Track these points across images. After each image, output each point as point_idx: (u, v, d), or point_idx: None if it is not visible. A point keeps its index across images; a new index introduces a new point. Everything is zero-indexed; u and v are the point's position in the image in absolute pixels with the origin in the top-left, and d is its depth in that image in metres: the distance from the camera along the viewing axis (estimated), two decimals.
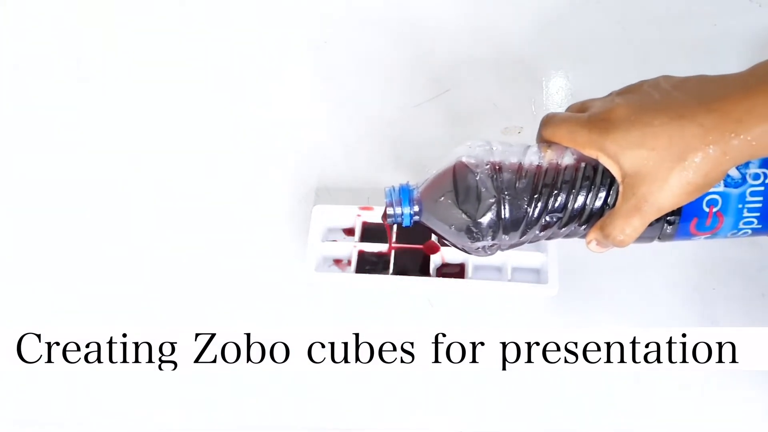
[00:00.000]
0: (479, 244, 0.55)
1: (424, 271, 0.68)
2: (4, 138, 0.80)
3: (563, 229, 0.54)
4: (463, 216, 0.54)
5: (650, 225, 0.52)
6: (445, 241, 0.58)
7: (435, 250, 0.69)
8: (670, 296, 0.68)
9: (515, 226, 0.54)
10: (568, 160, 0.53)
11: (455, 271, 0.69)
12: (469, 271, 0.68)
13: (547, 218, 0.54)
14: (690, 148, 0.48)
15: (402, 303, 0.68)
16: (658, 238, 0.55)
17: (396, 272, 0.68)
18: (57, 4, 0.91)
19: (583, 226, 0.54)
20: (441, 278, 0.68)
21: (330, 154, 0.77)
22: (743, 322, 0.66)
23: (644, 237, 0.54)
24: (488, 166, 0.54)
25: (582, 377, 0.64)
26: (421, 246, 0.69)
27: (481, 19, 0.89)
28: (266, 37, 0.88)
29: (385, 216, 0.58)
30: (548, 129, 0.55)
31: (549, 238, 0.56)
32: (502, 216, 0.53)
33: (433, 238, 0.69)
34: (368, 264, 0.69)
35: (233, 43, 0.87)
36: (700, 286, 0.68)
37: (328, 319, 0.67)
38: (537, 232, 0.54)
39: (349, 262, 0.69)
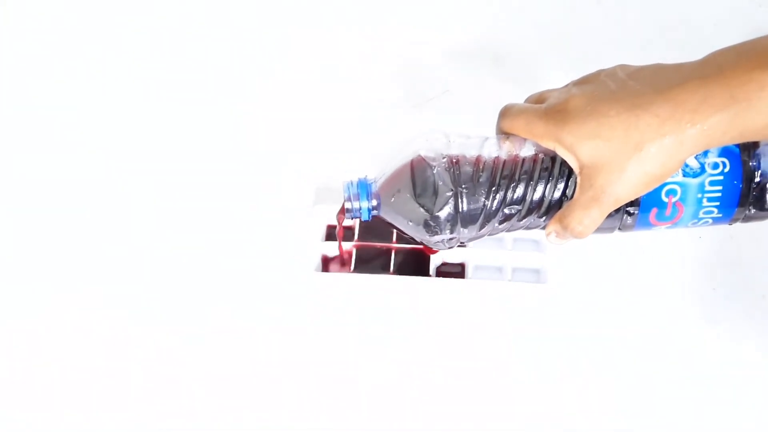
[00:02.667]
0: (438, 237, 0.55)
1: (423, 271, 0.68)
2: (4, 138, 0.80)
3: (523, 221, 0.54)
4: (421, 210, 0.54)
5: (610, 216, 0.52)
6: (405, 236, 0.57)
7: (435, 250, 0.69)
8: (670, 297, 0.68)
9: (473, 219, 0.54)
10: (526, 151, 0.53)
11: (455, 271, 0.69)
12: (469, 271, 0.68)
13: (506, 211, 0.54)
14: (646, 138, 0.48)
15: (402, 303, 0.68)
16: (619, 228, 0.55)
17: (396, 272, 0.68)
18: (58, 4, 0.91)
19: (543, 218, 0.54)
20: (441, 278, 0.68)
21: (331, 153, 0.77)
22: (743, 322, 0.66)
23: (604, 228, 0.54)
24: (446, 160, 0.54)
25: (582, 377, 0.64)
26: (421, 246, 0.69)
27: (483, 19, 0.89)
28: (267, 36, 0.88)
29: (342, 211, 0.58)
30: (506, 120, 0.54)
31: (509, 231, 0.56)
32: (460, 209, 0.53)
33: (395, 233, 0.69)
34: (368, 264, 0.69)
35: (234, 42, 0.88)
36: (701, 287, 0.68)
37: (327, 319, 0.67)
38: (496, 224, 0.54)
39: (349, 262, 0.69)
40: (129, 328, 0.66)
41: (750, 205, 0.53)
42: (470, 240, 0.56)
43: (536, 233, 0.58)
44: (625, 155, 0.49)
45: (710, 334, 0.65)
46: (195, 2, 0.91)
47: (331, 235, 0.71)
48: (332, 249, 0.70)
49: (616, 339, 0.65)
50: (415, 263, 0.69)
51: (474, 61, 0.85)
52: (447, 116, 0.80)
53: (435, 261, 0.69)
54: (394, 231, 0.70)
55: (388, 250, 0.69)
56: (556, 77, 0.80)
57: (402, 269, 0.68)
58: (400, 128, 0.79)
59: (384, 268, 0.68)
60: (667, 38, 0.86)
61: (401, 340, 0.65)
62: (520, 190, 0.53)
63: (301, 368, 0.64)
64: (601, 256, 0.68)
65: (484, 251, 0.68)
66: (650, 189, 0.50)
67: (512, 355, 0.64)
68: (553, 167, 0.53)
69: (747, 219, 0.54)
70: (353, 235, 0.70)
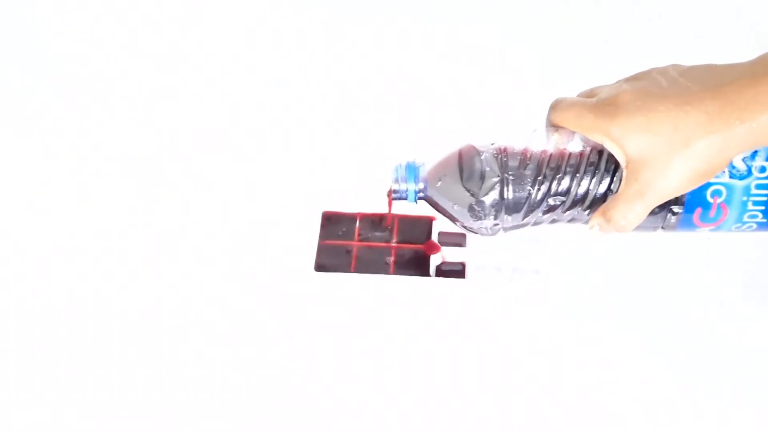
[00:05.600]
0: (482, 223, 0.56)
1: (423, 271, 0.68)
2: (5, 138, 0.80)
3: (566, 213, 0.55)
4: (467, 194, 0.55)
5: (654, 214, 0.52)
6: (449, 220, 0.58)
7: (435, 250, 0.69)
8: (672, 297, 0.68)
9: (518, 207, 0.54)
10: (574, 145, 0.54)
11: (455, 271, 0.69)
12: (469, 271, 0.68)
13: (550, 201, 0.54)
14: (694, 135, 0.48)
15: (402, 303, 0.68)
16: (662, 227, 0.55)
17: (396, 272, 0.68)
18: (60, 4, 0.91)
19: (587, 212, 0.55)
20: (441, 278, 0.68)
21: (332, 154, 0.77)
22: (747, 323, 0.66)
23: (647, 226, 0.54)
24: (494, 147, 0.54)
25: (583, 377, 0.64)
26: (421, 246, 0.69)
27: (486, 19, 0.89)
28: (273, 38, 0.88)
29: (390, 192, 0.58)
30: (556, 113, 0.55)
31: (552, 222, 0.56)
32: (505, 196, 0.54)
33: (434, 237, 0.69)
34: (368, 264, 0.69)
35: (234, 42, 0.87)
36: (705, 287, 0.68)
37: (328, 319, 0.67)
38: (540, 214, 0.55)
39: (350, 262, 0.69)
40: (127, 328, 0.66)
41: None
42: (513, 228, 0.57)
43: (536, 233, 0.58)
44: (673, 151, 0.49)
45: (714, 335, 0.65)
46: (203, 8, 0.91)
47: (367, 233, 0.71)
48: (333, 249, 0.70)
49: (616, 339, 0.65)
50: (415, 263, 0.69)
51: (479, 62, 0.85)
52: (448, 116, 0.80)
53: (435, 261, 0.69)
54: (394, 231, 0.70)
55: (388, 250, 0.69)
56: (564, 77, 0.80)
57: (402, 269, 0.68)
58: (402, 128, 0.79)
59: (384, 268, 0.68)
60: (676, 40, 0.86)
61: (401, 340, 0.65)
62: (565, 182, 0.54)
63: (301, 368, 0.64)
64: (601, 256, 0.68)
65: (484, 251, 0.68)
66: (695, 186, 0.50)
67: (512, 355, 0.64)
68: (600, 161, 0.53)
69: None
70: (353, 235, 0.70)
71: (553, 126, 0.55)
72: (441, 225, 0.71)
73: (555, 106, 0.55)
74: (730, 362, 0.64)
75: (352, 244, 0.70)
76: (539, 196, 0.54)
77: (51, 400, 0.64)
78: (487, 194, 0.54)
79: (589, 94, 0.56)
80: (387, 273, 0.68)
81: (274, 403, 0.63)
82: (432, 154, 0.58)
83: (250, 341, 0.66)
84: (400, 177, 0.57)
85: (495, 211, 0.55)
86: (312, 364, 0.65)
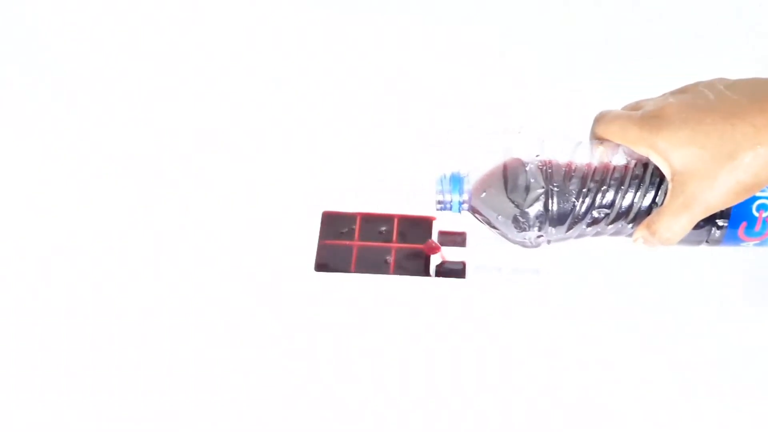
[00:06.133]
0: (525, 234, 0.56)
1: (424, 271, 0.68)
2: (5, 138, 0.80)
3: (610, 226, 0.55)
4: (511, 205, 0.55)
5: (698, 228, 0.52)
6: (494, 231, 0.58)
7: (435, 250, 0.69)
8: (672, 297, 0.68)
9: (562, 220, 0.54)
10: (618, 157, 0.54)
11: (455, 270, 0.69)
12: (469, 271, 0.68)
13: (595, 214, 0.54)
14: (741, 147, 0.48)
15: (402, 303, 0.68)
16: (706, 241, 0.55)
17: (396, 272, 0.68)
18: (60, 4, 0.91)
19: (630, 224, 0.55)
20: (441, 278, 0.68)
21: (332, 154, 0.77)
22: (747, 323, 0.66)
23: (692, 240, 0.54)
24: (539, 159, 0.55)
25: (583, 377, 0.64)
26: (421, 246, 0.69)
27: (486, 19, 0.89)
28: (273, 38, 0.88)
29: (435, 203, 0.58)
30: (600, 126, 0.55)
31: (596, 235, 0.56)
32: (550, 208, 0.54)
33: (434, 237, 0.69)
34: (368, 264, 0.69)
35: (233, 42, 0.87)
36: (705, 287, 0.68)
37: (328, 319, 0.67)
38: (584, 227, 0.55)
39: (350, 262, 0.69)
40: (127, 328, 0.66)
41: None
42: (557, 240, 0.57)
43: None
44: (719, 163, 0.49)
45: (711, 334, 0.65)
46: (204, 7, 0.91)
47: (367, 233, 0.71)
48: (333, 249, 0.70)
49: (616, 339, 0.65)
50: (415, 263, 0.69)
51: (479, 61, 0.85)
52: (448, 116, 0.80)
53: (435, 261, 0.69)
54: (394, 231, 0.70)
55: (388, 250, 0.69)
56: (561, 77, 0.80)
57: (402, 269, 0.68)
58: (402, 129, 0.79)
59: (384, 268, 0.68)
60: (676, 40, 0.86)
61: (401, 340, 0.65)
62: (610, 195, 0.54)
63: (301, 368, 0.64)
64: (601, 256, 0.68)
65: (484, 251, 0.68)
66: (741, 199, 0.50)
67: (512, 355, 0.64)
68: (645, 174, 0.53)
69: None
70: (353, 235, 0.70)
71: (598, 139, 0.55)
72: (441, 225, 0.71)
73: (599, 119, 0.55)
74: (730, 362, 0.64)
75: (352, 244, 0.70)
76: (584, 209, 0.54)
77: (51, 400, 0.64)
78: (531, 205, 0.54)
79: (634, 107, 0.56)
80: (387, 273, 0.68)
81: (274, 403, 0.63)
82: (475, 165, 0.58)
83: (250, 341, 0.66)
84: (444, 188, 0.58)
85: (539, 222, 0.55)
86: (312, 364, 0.65)
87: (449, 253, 0.69)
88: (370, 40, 0.87)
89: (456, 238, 0.70)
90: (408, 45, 0.86)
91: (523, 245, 0.57)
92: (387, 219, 0.71)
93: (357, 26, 0.88)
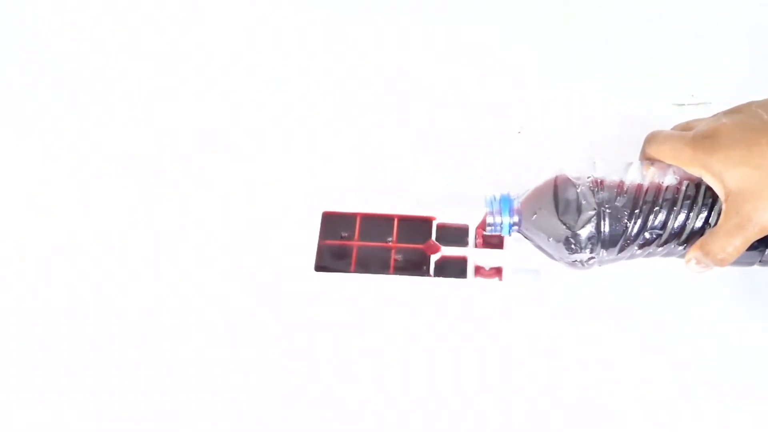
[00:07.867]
0: (577, 256, 0.55)
1: (424, 271, 0.68)
2: (5, 138, 0.80)
3: (662, 248, 0.54)
4: (563, 227, 0.54)
5: (752, 248, 0.52)
6: (543, 253, 0.58)
7: (435, 250, 0.69)
8: (672, 297, 0.68)
9: (614, 242, 0.54)
10: (670, 178, 0.53)
11: (455, 270, 0.69)
12: (469, 271, 0.68)
13: (647, 235, 0.54)
14: None
15: (402, 303, 0.68)
16: (760, 262, 0.55)
17: (396, 272, 0.68)
18: (60, 4, 0.91)
19: (683, 246, 0.54)
20: (441, 278, 0.68)
21: (332, 154, 0.77)
22: (747, 323, 0.66)
23: (745, 261, 0.54)
24: (590, 180, 0.54)
25: (583, 377, 0.64)
26: (421, 246, 0.69)
27: (486, 19, 0.89)
28: (273, 38, 0.88)
29: (483, 225, 0.58)
30: (652, 146, 0.55)
31: (647, 256, 0.56)
32: (601, 230, 0.53)
33: (434, 237, 0.69)
34: (368, 264, 0.69)
35: (234, 41, 0.87)
36: (705, 287, 0.68)
37: (328, 319, 0.67)
38: (635, 249, 0.54)
39: (350, 262, 0.69)
40: (127, 328, 0.66)
41: None
42: (608, 262, 0.56)
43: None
44: None
45: (711, 334, 0.65)
46: (204, 8, 0.91)
47: (367, 233, 0.71)
48: (333, 249, 0.70)
49: (616, 339, 0.65)
50: (415, 263, 0.69)
51: (484, 62, 0.85)
52: (449, 116, 0.80)
53: (435, 261, 0.69)
54: (395, 231, 0.70)
55: (388, 250, 0.69)
56: (566, 79, 0.80)
57: (402, 269, 0.68)
58: (403, 128, 0.79)
59: (384, 268, 0.68)
60: (676, 40, 0.85)
61: (401, 340, 0.65)
62: (662, 216, 0.53)
63: (301, 368, 0.64)
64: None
65: (485, 251, 0.68)
66: None
67: (512, 355, 0.64)
68: (697, 195, 0.53)
69: None
70: (353, 235, 0.70)
71: (649, 159, 0.55)
72: (440, 219, 0.71)
73: (650, 140, 0.55)
74: (730, 362, 0.64)
75: (352, 244, 0.70)
76: (636, 230, 0.53)
77: (51, 400, 0.64)
78: (583, 227, 0.54)
79: (685, 127, 0.55)
80: (387, 273, 0.68)
81: (274, 403, 0.63)
82: (524, 186, 0.57)
83: (250, 341, 0.66)
84: (495, 210, 0.57)
85: (591, 244, 0.54)
86: (312, 364, 0.65)
87: (449, 253, 0.69)
88: (370, 40, 0.87)
89: (456, 235, 0.70)
90: (408, 45, 0.86)
91: (574, 267, 0.57)
92: (387, 219, 0.71)
93: (357, 26, 0.88)
